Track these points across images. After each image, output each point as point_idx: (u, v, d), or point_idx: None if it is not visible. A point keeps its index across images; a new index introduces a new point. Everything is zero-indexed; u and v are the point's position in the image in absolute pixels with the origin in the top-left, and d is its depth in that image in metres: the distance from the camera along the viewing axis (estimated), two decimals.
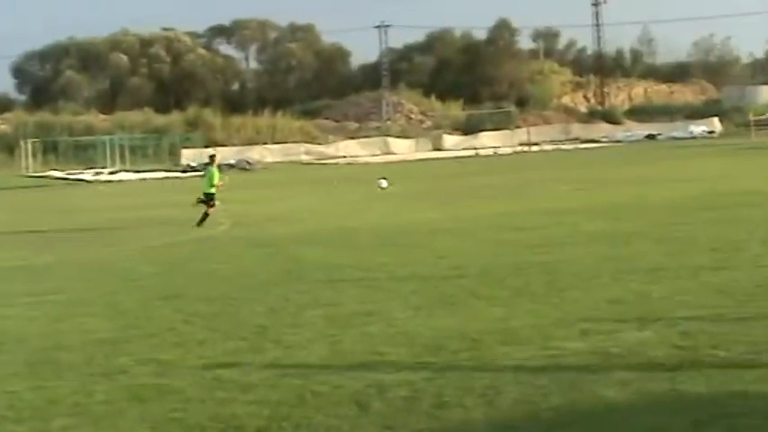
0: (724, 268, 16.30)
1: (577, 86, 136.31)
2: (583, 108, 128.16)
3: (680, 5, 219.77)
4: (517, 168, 58.67)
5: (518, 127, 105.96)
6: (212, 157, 32.80)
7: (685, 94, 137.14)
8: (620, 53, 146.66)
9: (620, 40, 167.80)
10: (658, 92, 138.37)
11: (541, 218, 26.84)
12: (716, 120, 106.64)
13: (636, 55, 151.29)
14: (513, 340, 11.95)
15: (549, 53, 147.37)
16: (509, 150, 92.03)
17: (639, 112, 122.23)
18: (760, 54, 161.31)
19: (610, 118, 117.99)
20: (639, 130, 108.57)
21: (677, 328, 12.05)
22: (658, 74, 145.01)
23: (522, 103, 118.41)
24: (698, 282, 15.24)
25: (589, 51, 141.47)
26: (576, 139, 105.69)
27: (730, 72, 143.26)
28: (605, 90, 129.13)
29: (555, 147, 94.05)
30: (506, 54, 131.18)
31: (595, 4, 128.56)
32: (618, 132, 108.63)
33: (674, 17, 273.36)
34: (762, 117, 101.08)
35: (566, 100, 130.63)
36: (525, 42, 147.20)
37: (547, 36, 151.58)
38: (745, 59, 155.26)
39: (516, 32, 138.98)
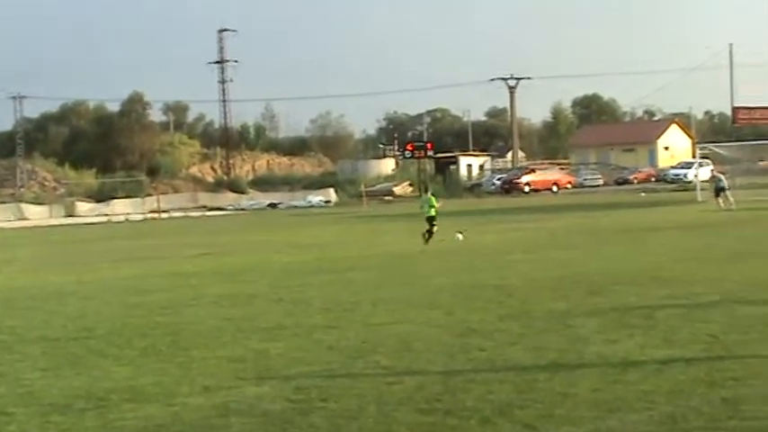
0: (335, 327, 16.63)
1: (205, 157, 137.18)
2: (210, 178, 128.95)
3: (300, 84, 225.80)
4: (147, 234, 58.09)
5: (149, 195, 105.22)
6: (427, 188, 43.86)
7: (305, 166, 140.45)
8: (245, 127, 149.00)
9: (245, 115, 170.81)
10: (280, 164, 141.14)
11: (168, 281, 26.62)
12: (332, 190, 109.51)
13: (259, 129, 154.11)
14: (139, 398, 11.77)
15: (178, 126, 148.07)
16: (140, 217, 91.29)
17: (262, 183, 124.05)
18: (371, 131, 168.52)
19: (235, 187, 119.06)
20: (263, 198, 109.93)
21: (292, 383, 12.22)
22: (280, 147, 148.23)
23: (152, 172, 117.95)
24: (312, 340, 15.49)
25: (216, 125, 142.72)
26: (204, 206, 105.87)
27: (345, 147, 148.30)
28: (231, 161, 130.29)
29: (184, 214, 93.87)
30: (138, 126, 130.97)
31: (222, 82, 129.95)
32: (243, 201, 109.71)
33: (294, 95, 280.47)
34: (372, 188, 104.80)
35: (194, 170, 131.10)
36: (157, 115, 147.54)
37: (177, 110, 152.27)
38: (358, 136, 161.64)
39: (148, 106, 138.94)
